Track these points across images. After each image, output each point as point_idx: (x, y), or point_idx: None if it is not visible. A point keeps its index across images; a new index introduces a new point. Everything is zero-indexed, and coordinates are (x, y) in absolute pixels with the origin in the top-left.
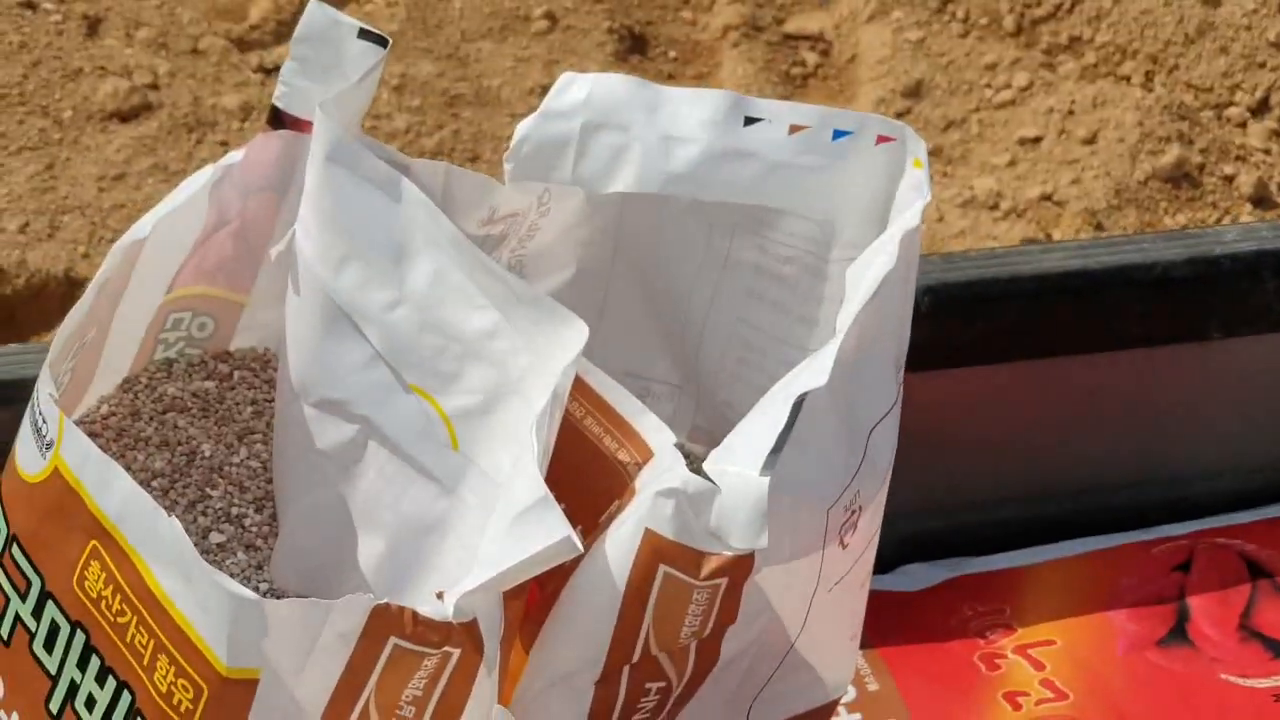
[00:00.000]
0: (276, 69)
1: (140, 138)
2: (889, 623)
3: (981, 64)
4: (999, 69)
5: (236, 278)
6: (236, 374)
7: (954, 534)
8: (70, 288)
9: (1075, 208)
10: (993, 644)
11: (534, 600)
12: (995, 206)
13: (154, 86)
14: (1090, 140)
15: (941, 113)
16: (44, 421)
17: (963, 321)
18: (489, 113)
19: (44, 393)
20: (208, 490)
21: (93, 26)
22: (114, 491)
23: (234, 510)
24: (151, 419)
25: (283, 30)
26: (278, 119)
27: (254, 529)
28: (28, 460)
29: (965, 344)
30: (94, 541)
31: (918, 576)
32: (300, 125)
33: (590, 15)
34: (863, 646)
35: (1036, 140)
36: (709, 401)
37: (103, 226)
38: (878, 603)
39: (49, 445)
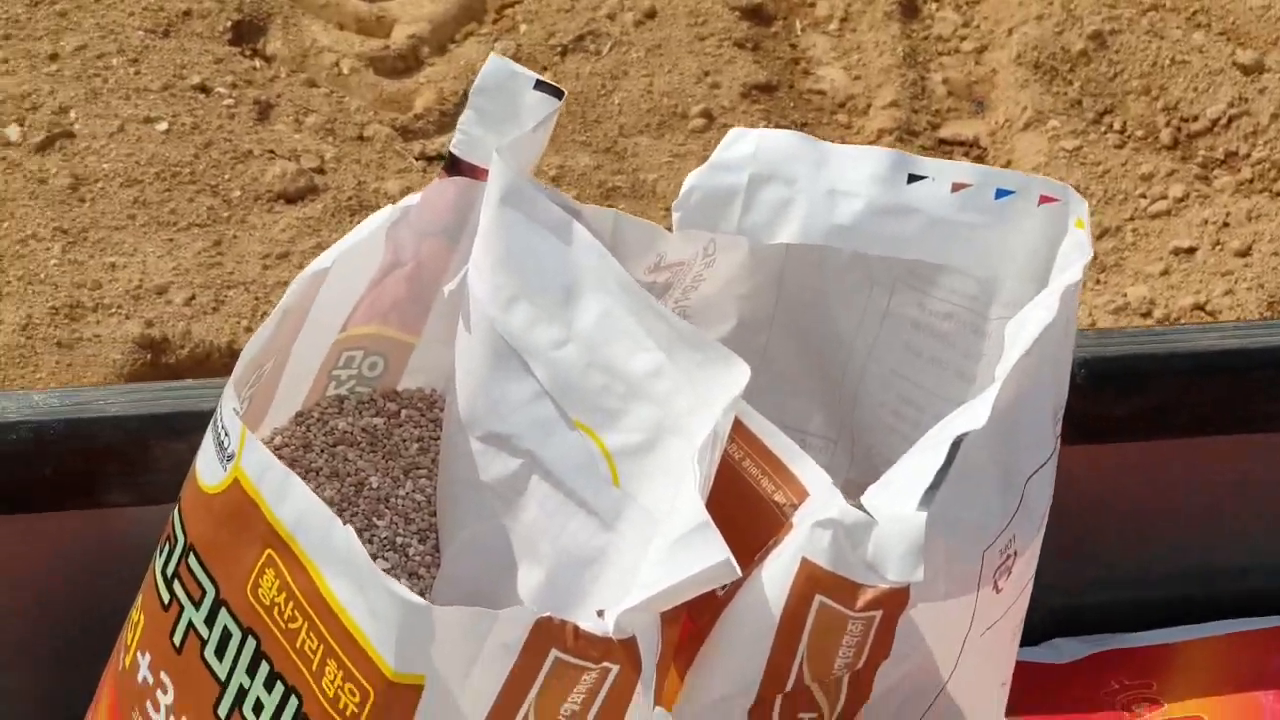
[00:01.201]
0: (438, 157)
1: (305, 219)
2: (1035, 693)
3: (1137, 174)
4: (1154, 180)
5: (408, 319)
6: (404, 412)
7: (1102, 610)
8: (233, 359)
9: (1228, 318)
10: (1139, 717)
11: (688, 632)
12: (1148, 314)
13: (320, 170)
14: (1244, 253)
15: (1096, 220)
16: (226, 435)
17: (1117, 396)
18: (644, 206)
19: (228, 407)
20: (374, 520)
21: (263, 112)
22: (291, 501)
23: (399, 540)
24: (322, 451)
25: (445, 121)
26: (454, 166)
27: (417, 558)
28: (208, 472)
29: (1119, 419)
30: (269, 550)
31: (1065, 650)
32: (475, 173)
33: (746, 115)
34: (1008, 714)
35: (1191, 251)
36: (863, 455)
37: (266, 302)
38: (1024, 673)
39: (230, 457)
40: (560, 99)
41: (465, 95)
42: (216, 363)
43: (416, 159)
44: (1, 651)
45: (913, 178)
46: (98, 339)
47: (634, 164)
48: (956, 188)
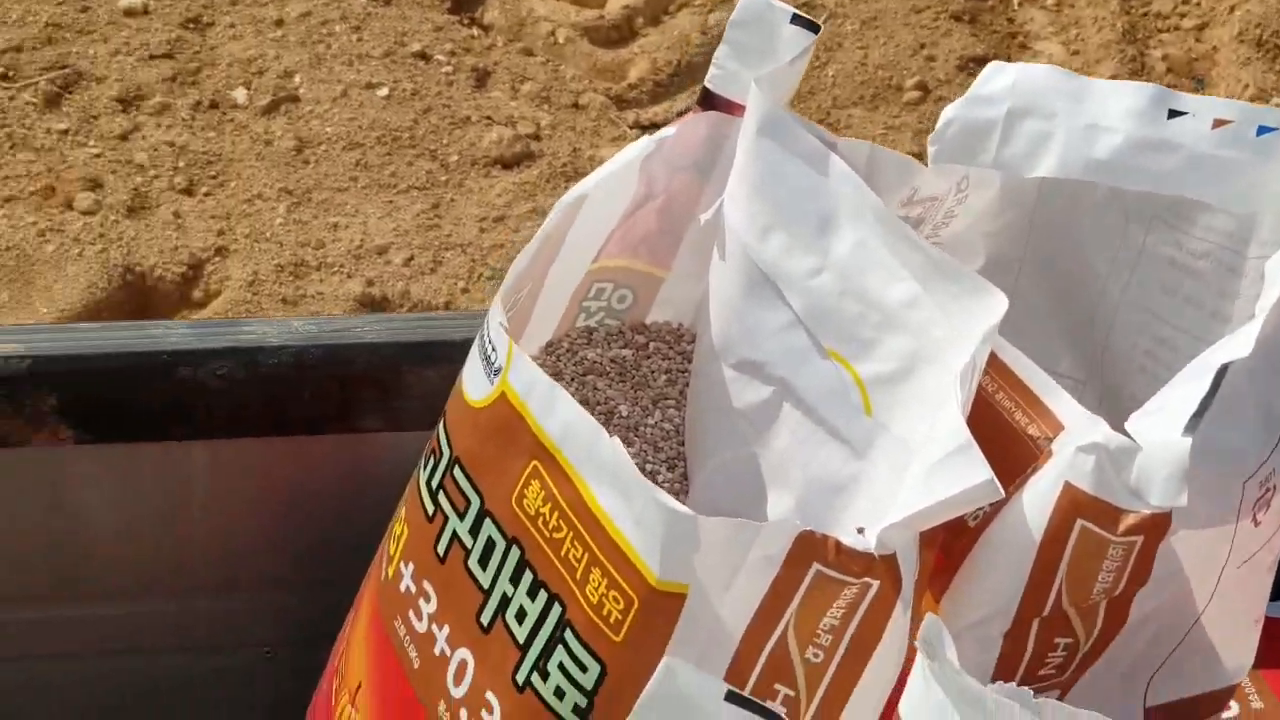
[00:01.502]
0: (652, 125)
1: (521, 183)
2: (1274, 647)
3: None
4: None
5: (658, 253)
6: (652, 345)
7: None
8: None
9: None
10: None
11: (941, 562)
12: None
13: (535, 137)
14: None
15: None
16: (493, 349)
17: None
18: None
19: (495, 322)
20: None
21: (481, 79)
22: (558, 414)
23: (648, 467)
24: (573, 380)
25: (659, 91)
26: (708, 100)
27: (666, 485)
28: (474, 386)
29: None
30: (535, 461)
31: None
32: (730, 107)
33: (962, 87)
34: None
35: None
36: (1113, 396)
37: (481, 264)
38: (1265, 628)
39: (497, 371)
40: (816, 33)
41: (679, 65)
42: None
43: (630, 127)
44: (256, 568)
45: (1173, 113)
46: (320, 296)
47: (847, 136)
48: (1218, 124)
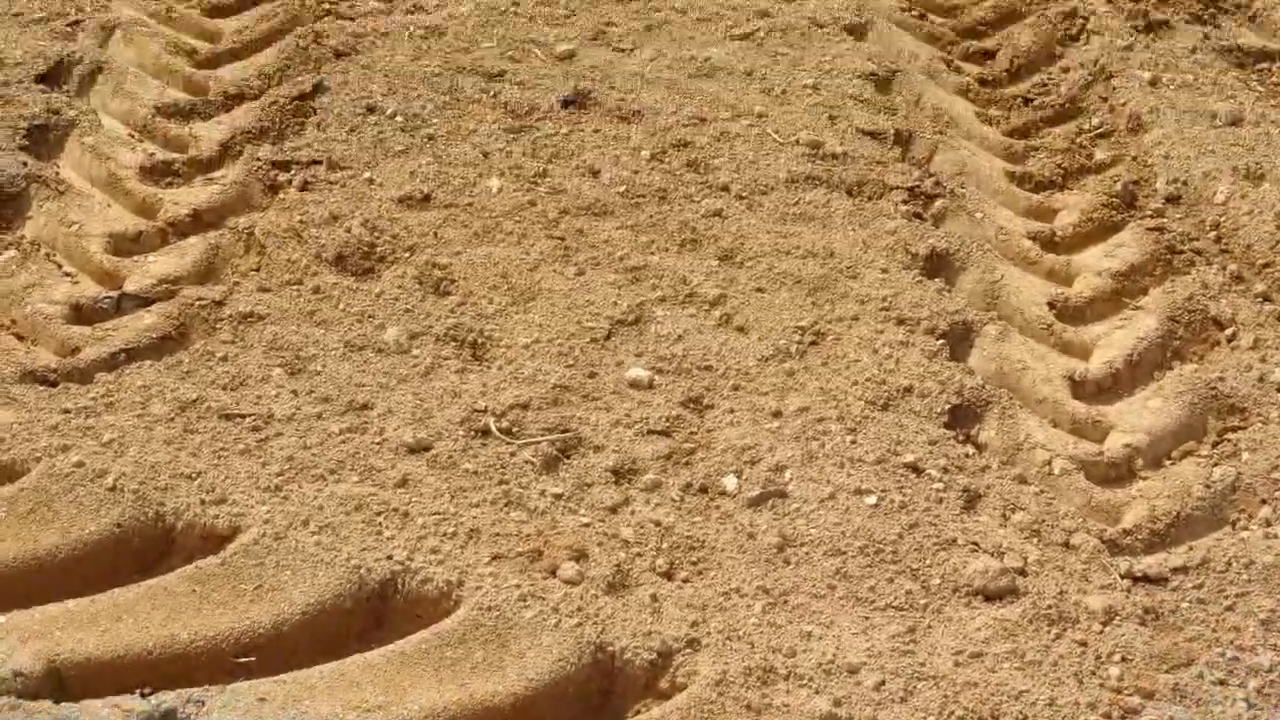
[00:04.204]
0: (1144, 578)
1: (1001, 620)
2: None
3: None
4: None
5: None
6: None
7: None
8: None
9: None
10: None
11: None
12: None
13: (1022, 572)
14: None
15: None
16: None
17: None
18: None
19: None
20: None
21: (971, 501)
22: None
23: None
24: None
25: (1154, 541)
26: None
27: None
28: None
29: None
30: None
31: None
32: None
33: None
34: None
35: None
36: None
37: (953, 702)
38: None
39: None
40: None
41: (1178, 518)
42: None
43: (1122, 577)
44: None
45: None
46: (786, 709)
47: None
48: None
